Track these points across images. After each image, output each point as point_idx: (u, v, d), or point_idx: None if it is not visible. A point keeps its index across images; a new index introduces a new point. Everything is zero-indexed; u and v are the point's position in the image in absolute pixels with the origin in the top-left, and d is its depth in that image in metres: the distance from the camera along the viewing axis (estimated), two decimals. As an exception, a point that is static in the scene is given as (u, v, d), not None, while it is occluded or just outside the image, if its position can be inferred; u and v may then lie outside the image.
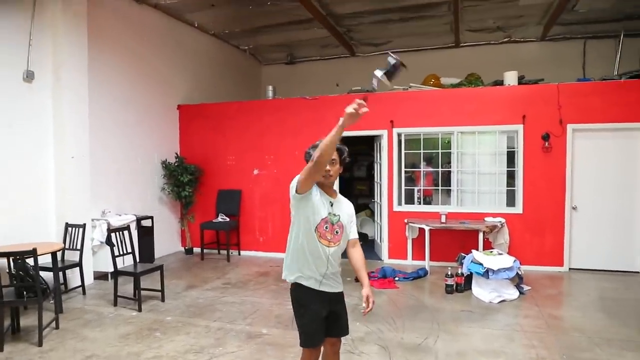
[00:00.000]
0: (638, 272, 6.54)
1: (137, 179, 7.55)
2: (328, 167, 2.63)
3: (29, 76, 5.57)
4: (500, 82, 7.29)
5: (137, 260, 5.79)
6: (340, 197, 2.81)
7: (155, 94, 7.90)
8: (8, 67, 5.38)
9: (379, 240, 7.89)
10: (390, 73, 2.50)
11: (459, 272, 5.83)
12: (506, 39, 9.39)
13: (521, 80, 7.22)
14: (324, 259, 2.67)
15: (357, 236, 2.88)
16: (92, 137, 6.32)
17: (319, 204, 2.65)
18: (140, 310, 5.18)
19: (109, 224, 6.31)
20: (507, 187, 7.07)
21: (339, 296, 2.82)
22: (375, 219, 8.24)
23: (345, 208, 2.80)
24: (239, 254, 8.23)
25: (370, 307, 2.68)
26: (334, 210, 2.71)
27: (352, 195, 10.84)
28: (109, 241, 5.72)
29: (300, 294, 2.73)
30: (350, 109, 2.38)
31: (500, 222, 6.73)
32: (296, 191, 2.59)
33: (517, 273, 5.53)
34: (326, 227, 2.67)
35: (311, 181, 2.55)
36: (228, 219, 8.06)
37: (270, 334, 4.47)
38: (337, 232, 2.71)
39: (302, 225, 2.66)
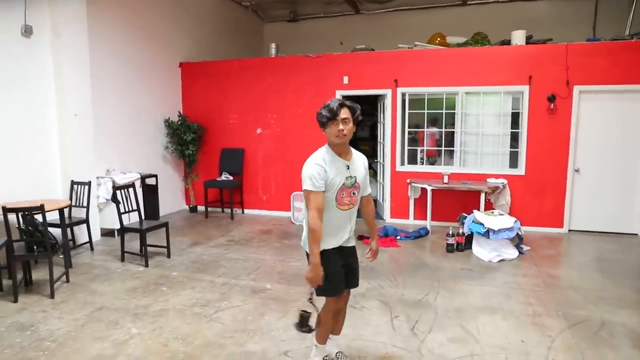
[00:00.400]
0: (636, 234, 6.61)
1: (141, 138, 7.54)
2: (342, 127, 2.56)
3: (27, 31, 5.46)
4: (507, 42, 7.13)
5: (143, 217, 5.86)
6: (354, 155, 2.77)
7: (156, 52, 7.77)
8: (5, 20, 5.25)
9: (381, 200, 7.94)
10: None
11: (460, 231, 5.90)
12: (515, -3, 9.14)
13: (529, 40, 7.04)
14: (344, 225, 2.74)
15: (369, 191, 2.91)
16: (94, 96, 6.27)
17: (335, 177, 2.61)
18: (146, 265, 5.30)
19: (113, 182, 6.34)
20: (511, 148, 7.05)
21: (352, 250, 2.90)
22: (378, 178, 8.28)
23: (360, 166, 2.76)
24: (243, 213, 8.31)
25: (374, 258, 3.00)
26: (351, 172, 2.68)
27: (354, 155, 10.74)
28: (114, 198, 5.78)
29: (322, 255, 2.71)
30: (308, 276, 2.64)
31: (502, 183, 6.75)
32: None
33: (517, 233, 5.60)
34: (342, 194, 2.67)
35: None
36: (231, 178, 8.09)
37: (273, 289, 4.58)
38: (353, 193, 2.72)
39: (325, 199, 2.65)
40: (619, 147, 6.60)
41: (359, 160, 2.78)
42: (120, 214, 5.45)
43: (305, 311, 2.91)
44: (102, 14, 6.53)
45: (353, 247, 2.90)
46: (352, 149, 2.78)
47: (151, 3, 7.58)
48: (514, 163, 7.05)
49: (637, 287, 4.66)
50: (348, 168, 2.67)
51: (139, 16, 7.31)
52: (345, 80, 7.51)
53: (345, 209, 2.71)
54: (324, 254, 2.70)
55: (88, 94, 6.12)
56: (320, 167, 2.59)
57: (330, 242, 2.73)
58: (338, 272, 2.77)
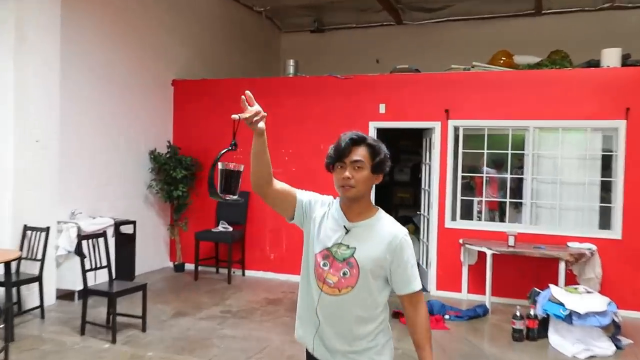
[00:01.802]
0: None
1: (117, 173, 7.61)
2: (347, 174, 2.18)
3: (-16, 33, 5.64)
4: (596, 63, 7.09)
5: (114, 276, 5.86)
6: (374, 221, 2.28)
7: (143, 66, 7.96)
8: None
9: (424, 266, 7.79)
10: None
11: (532, 313, 5.71)
12: (607, 4, 9.12)
13: (626, 61, 7.01)
14: (312, 310, 2.27)
15: (414, 289, 2.22)
16: (63, 118, 6.37)
17: (324, 229, 2.31)
18: (114, 341, 5.22)
19: (79, 229, 6.36)
20: (601, 202, 6.91)
21: None
22: (421, 237, 8.15)
23: (373, 241, 2.22)
24: (243, 274, 8.28)
25: None
26: (348, 239, 2.22)
27: (391, 204, 10.75)
28: (78, 251, 5.78)
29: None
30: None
31: (589, 249, 6.54)
32: None
33: (613, 320, 5.38)
34: (324, 264, 2.25)
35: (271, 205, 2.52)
36: (231, 229, 8.08)
37: (279, 384, 4.42)
38: (345, 273, 2.20)
39: (303, 255, 2.38)
40: None
41: (377, 232, 2.24)
42: (84, 272, 5.42)
43: None
44: (78, 16, 6.73)
45: None
46: (386, 219, 2.30)
47: (140, 6, 7.84)
48: (605, 222, 6.89)
49: None
50: (347, 232, 2.23)
51: (124, 21, 7.55)
52: (382, 108, 7.53)
53: (327, 291, 2.23)
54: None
55: (55, 116, 6.22)
56: (318, 197, 2.50)
57: (298, 331, 2.39)
58: None
